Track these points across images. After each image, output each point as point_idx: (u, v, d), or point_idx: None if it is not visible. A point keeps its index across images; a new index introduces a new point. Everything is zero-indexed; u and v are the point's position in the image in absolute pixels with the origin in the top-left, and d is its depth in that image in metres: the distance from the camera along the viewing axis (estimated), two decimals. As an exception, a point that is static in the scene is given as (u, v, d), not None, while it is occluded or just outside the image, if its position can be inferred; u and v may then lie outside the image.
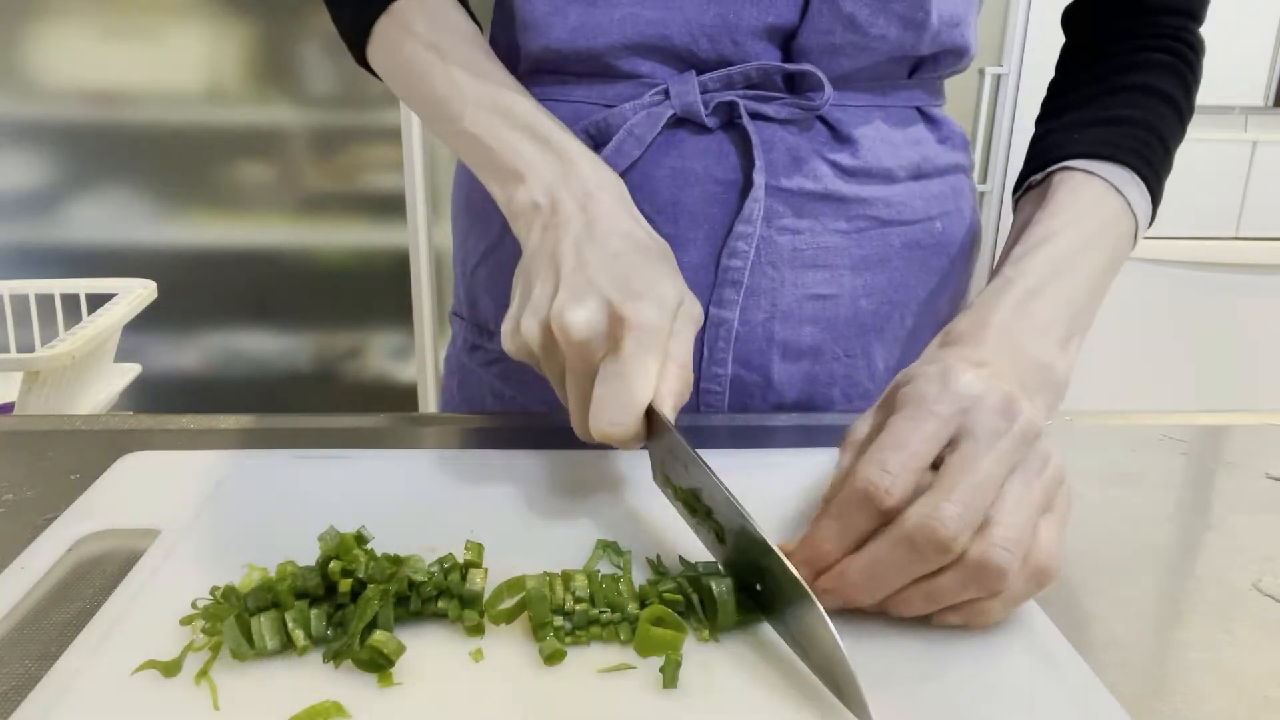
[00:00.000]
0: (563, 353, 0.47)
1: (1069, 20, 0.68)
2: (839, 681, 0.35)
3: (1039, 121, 0.66)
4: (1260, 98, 1.93)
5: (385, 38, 0.63)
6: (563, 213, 0.51)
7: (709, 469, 0.42)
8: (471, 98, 0.58)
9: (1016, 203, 0.64)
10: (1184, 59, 0.64)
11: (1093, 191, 0.58)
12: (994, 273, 0.55)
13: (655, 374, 0.45)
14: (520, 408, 0.71)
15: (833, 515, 0.41)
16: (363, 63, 0.66)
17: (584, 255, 0.48)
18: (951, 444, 0.41)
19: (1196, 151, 1.93)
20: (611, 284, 0.46)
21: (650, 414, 0.45)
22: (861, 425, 0.46)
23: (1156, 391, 2.10)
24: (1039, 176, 0.61)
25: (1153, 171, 0.60)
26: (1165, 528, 0.52)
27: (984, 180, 2.02)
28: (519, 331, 0.49)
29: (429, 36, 0.60)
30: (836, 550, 0.40)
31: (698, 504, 0.43)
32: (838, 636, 0.35)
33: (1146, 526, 0.52)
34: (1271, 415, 0.67)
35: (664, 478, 0.47)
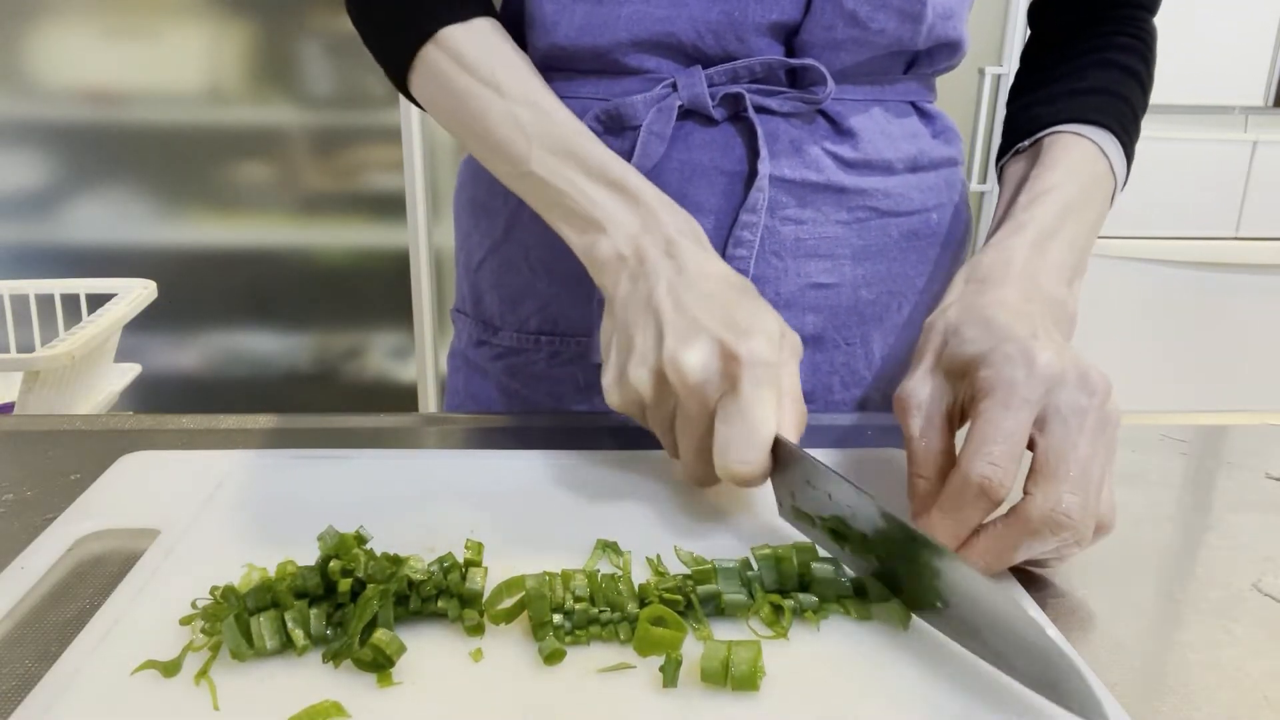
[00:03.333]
0: (674, 398, 0.48)
1: (1035, 16, 0.72)
2: (1057, 679, 0.35)
3: (1011, 101, 0.69)
4: (1260, 98, 1.92)
5: (432, 67, 0.61)
6: (650, 262, 0.52)
7: (860, 488, 0.42)
8: (536, 139, 0.57)
9: (1001, 169, 0.66)
10: (1143, 40, 0.68)
11: (1083, 151, 0.61)
12: (1001, 218, 0.58)
13: (775, 407, 0.46)
14: (527, 401, 0.71)
15: (946, 510, 0.43)
16: (403, 90, 0.65)
17: (681, 300, 0.49)
18: (1039, 423, 0.43)
19: (1196, 151, 1.93)
20: (718, 324, 0.47)
21: (774, 447, 0.45)
22: (919, 388, 0.48)
23: (1156, 391, 2.10)
24: (1027, 142, 0.63)
25: (1128, 137, 0.64)
26: (1165, 528, 0.52)
27: (984, 180, 2.02)
28: (626, 382, 0.49)
29: (483, 69, 0.59)
30: (953, 544, 0.43)
31: (848, 530, 0.43)
32: (1054, 635, 0.35)
33: (1146, 526, 0.52)
34: (1271, 415, 0.67)
35: (795, 511, 0.46)
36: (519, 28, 0.66)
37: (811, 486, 0.44)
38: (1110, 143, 0.62)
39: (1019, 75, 0.71)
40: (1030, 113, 0.65)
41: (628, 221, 0.54)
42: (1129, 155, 0.64)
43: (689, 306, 0.48)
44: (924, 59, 0.66)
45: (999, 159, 0.67)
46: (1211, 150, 1.94)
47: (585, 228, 0.55)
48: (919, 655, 0.39)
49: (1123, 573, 0.47)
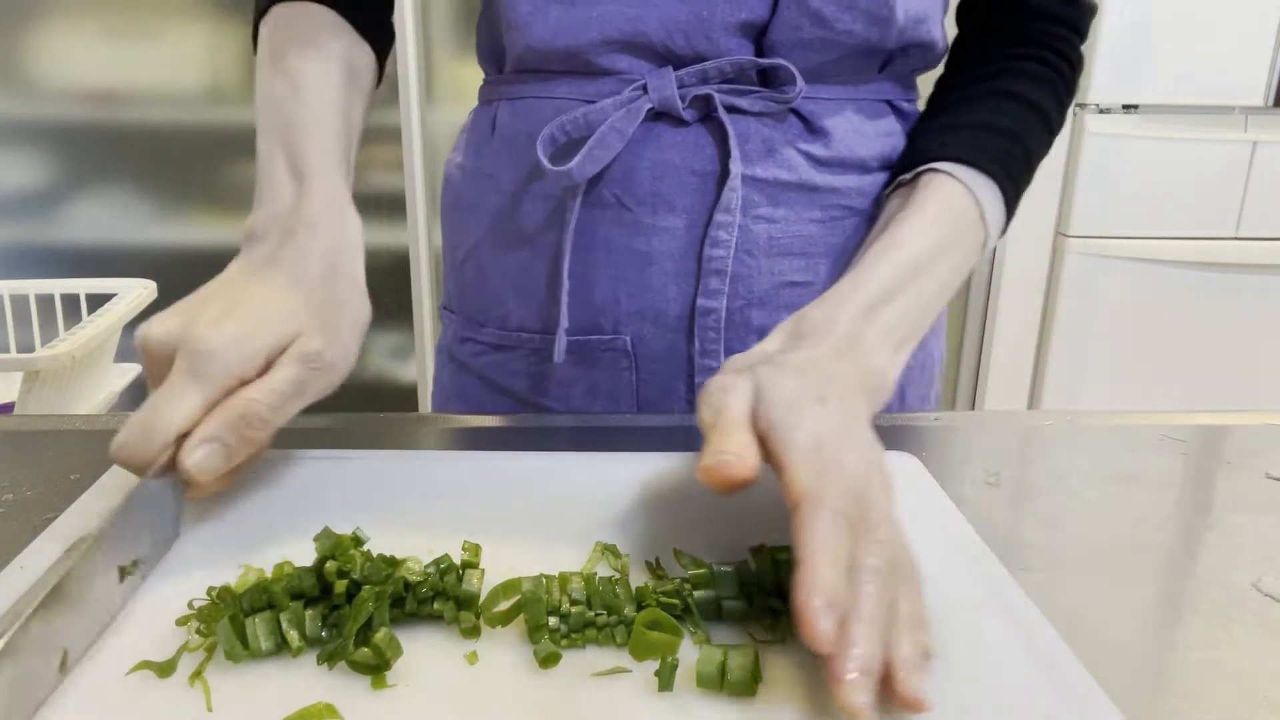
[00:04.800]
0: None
1: (959, 15, 0.70)
2: None
3: (920, 118, 0.68)
4: (1260, 98, 1.92)
5: (260, 43, 0.65)
6: (261, 245, 0.53)
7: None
8: (273, 116, 0.59)
9: (887, 198, 0.65)
10: (1060, 73, 0.66)
11: (954, 198, 0.60)
12: (854, 262, 0.57)
13: (191, 405, 0.44)
14: (509, 397, 0.71)
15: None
16: None
17: (223, 282, 0.50)
18: None
19: (1196, 151, 1.93)
20: (210, 308, 0.47)
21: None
22: (736, 402, 0.43)
23: (1156, 391, 2.10)
24: (908, 176, 0.62)
25: (1011, 183, 0.62)
26: (1165, 528, 0.52)
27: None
28: (143, 330, 0.48)
29: (279, 49, 0.62)
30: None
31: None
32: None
33: (1146, 526, 0.51)
34: (1271, 415, 0.67)
35: None
36: (498, 31, 0.66)
37: None
38: (988, 190, 0.60)
39: (938, 82, 0.70)
40: (920, 143, 0.65)
41: (280, 203, 0.55)
42: (1011, 202, 0.62)
43: (222, 287, 0.49)
44: (899, 58, 0.66)
45: (887, 184, 0.66)
46: (1211, 150, 1.94)
47: (255, 203, 0.56)
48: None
49: (1123, 573, 0.47)
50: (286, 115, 0.59)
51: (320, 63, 0.61)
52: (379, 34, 0.68)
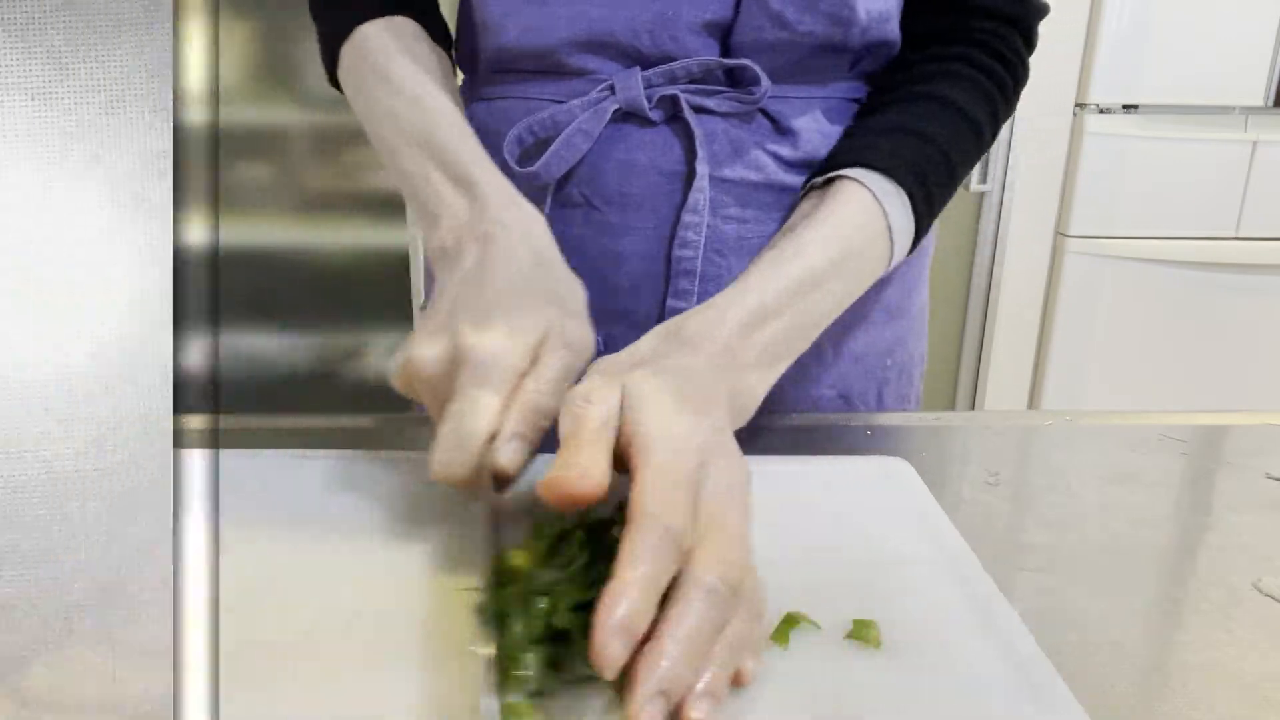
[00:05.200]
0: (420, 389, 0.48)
1: (905, 12, 0.67)
2: None
3: (855, 116, 0.67)
4: (1260, 98, 1.92)
5: (348, 64, 0.64)
6: (462, 254, 0.52)
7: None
8: (408, 133, 0.58)
9: (801, 199, 0.63)
10: (999, 81, 0.64)
11: (861, 208, 0.58)
12: (751, 264, 0.55)
13: (493, 409, 0.44)
14: None
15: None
16: (337, 86, 0.67)
17: (457, 295, 0.49)
18: None
19: (1196, 151, 1.93)
20: (466, 320, 0.47)
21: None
22: (596, 413, 0.41)
23: (1156, 391, 2.10)
24: (821, 180, 0.61)
25: (925, 194, 0.60)
26: (1165, 528, 0.52)
27: (983, 180, 2.02)
28: (402, 361, 0.48)
29: (382, 65, 0.62)
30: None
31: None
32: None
33: (1146, 526, 0.51)
34: (1271, 415, 0.67)
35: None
36: (473, 33, 0.67)
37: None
38: (898, 203, 0.59)
39: (874, 84, 0.68)
40: (843, 144, 0.64)
41: (459, 214, 0.54)
42: (923, 216, 0.61)
43: (457, 302, 0.49)
44: (867, 58, 0.65)
45: (803, 185, 0.64)
46: (1211, 150, 1.94)
47: (428, 221, 0.56)
48: (894, 675, 0.37)
49: (1122, 573, 0.47)
50: (419, 129, 0.58)
51: (426, 73, 0.61)
52: (446, 39, 0.69)
